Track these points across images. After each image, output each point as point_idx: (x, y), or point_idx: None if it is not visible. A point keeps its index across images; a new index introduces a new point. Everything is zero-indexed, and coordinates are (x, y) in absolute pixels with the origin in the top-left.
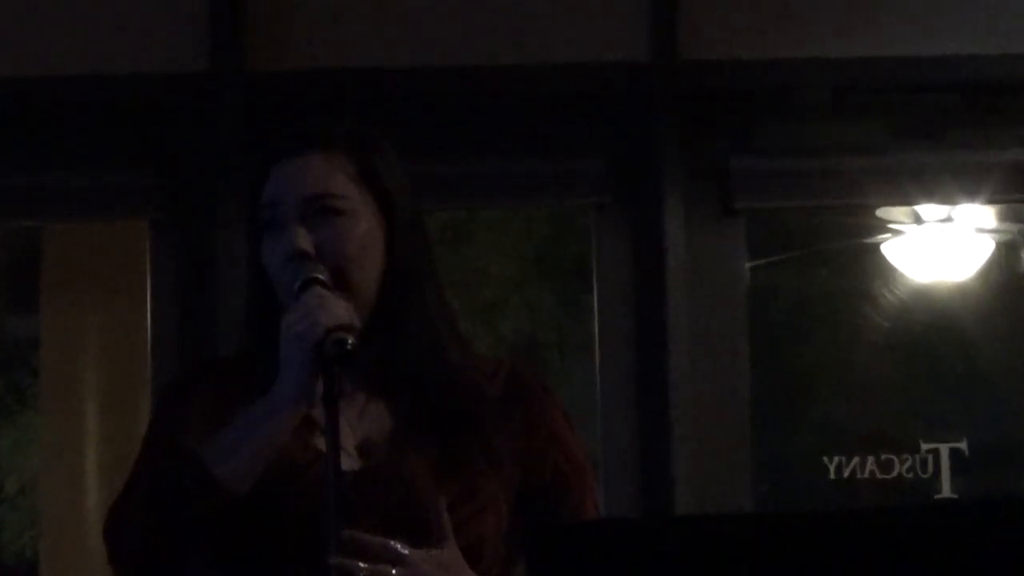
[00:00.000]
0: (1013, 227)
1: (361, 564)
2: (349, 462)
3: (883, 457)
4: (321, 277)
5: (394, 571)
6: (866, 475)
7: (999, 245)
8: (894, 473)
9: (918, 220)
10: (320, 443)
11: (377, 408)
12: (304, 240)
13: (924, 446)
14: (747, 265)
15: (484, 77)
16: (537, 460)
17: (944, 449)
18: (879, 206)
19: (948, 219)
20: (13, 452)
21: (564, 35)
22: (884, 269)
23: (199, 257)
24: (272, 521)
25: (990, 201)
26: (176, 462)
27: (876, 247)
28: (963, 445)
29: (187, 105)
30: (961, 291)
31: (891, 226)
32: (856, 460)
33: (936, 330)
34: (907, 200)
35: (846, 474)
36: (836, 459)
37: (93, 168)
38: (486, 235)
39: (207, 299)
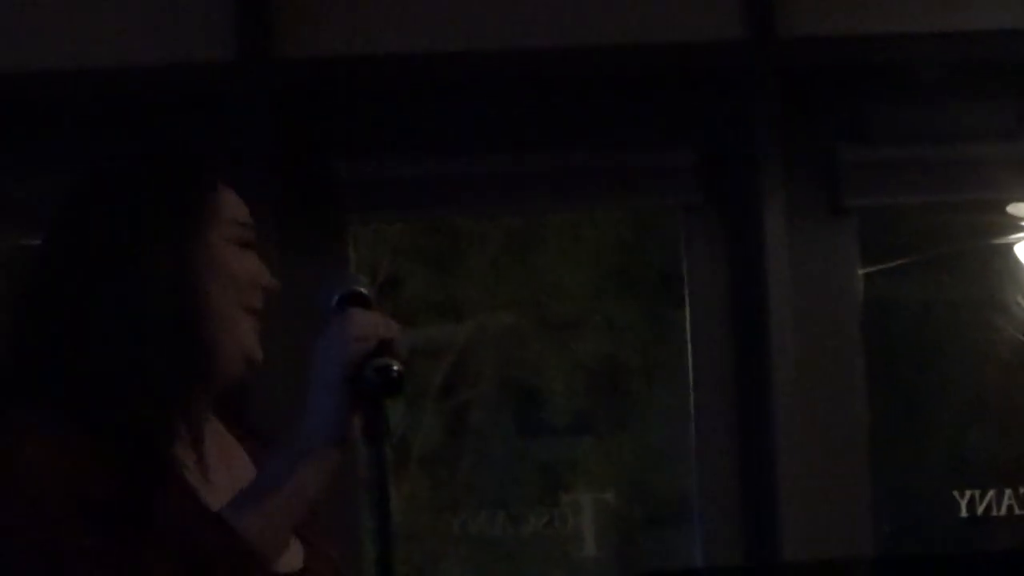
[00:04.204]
0: None
1: None
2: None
3: (1022, 491)
4: (364, 292)
5: None
6: (1003, 511)
7: None
8: None
9: None
10: None
11: (239, 452)
12: None
13: None
14: (860, 272)
15: (551, 61)
16: None
17: None
18: (1011, 201)
19: None
20: None
21: (645, 11)
22: (1017, 273)
23: None
24: None
25: None
26: (203, 533)
27: (1008, 248)
28: None
29: (214, 97)
30: None
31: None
32: (991, 494)
33: None
34: None
35: (980, 510)
36: (968, 493)
37: None
38: (558, 243)
39: None
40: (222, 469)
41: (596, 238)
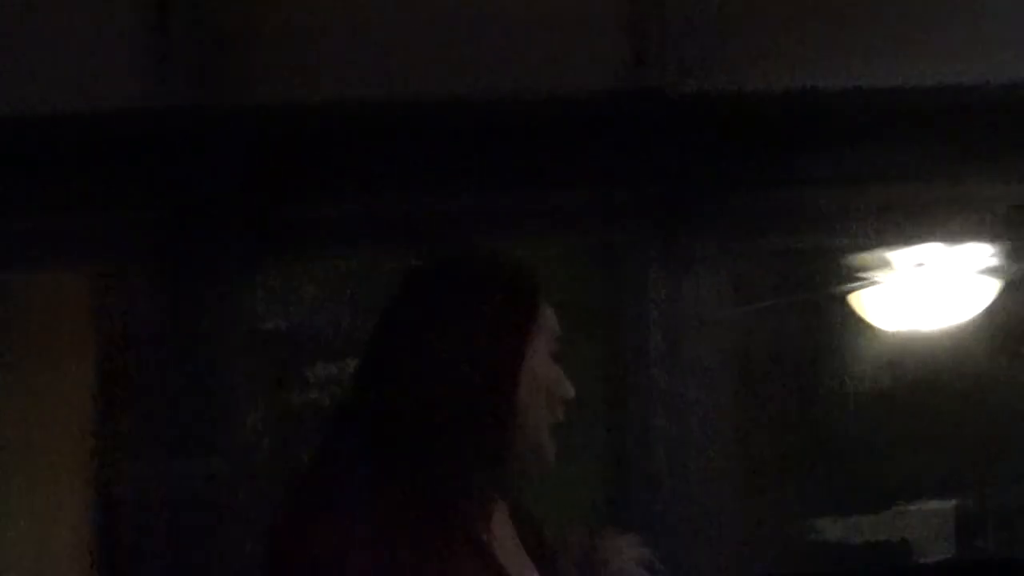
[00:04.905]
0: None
1: None
2: None
3: (852, 518)
4: None
5: None
6: (838, 538)
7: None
8: (866, 537)
9: (890, 267)
10: None
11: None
12: None
13: (901, 507)
14: (734, 312)
15: (482, 108)
16: None
17: (919, 511)
18: (887, 247)
19: (923, 264)
20: None
21: (534, 62)
22: (856, 321)
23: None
24: None
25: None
26: None
27: (844, 297)
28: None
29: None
30: (951, 339)
31: (861, 275)
32: (830, 521)
33: (920, 384)
34: (906, 241)
35: (822, 538)
36: (813, 522)
37: (33, 214)
38: None
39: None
40: (509, 551)
41: None
